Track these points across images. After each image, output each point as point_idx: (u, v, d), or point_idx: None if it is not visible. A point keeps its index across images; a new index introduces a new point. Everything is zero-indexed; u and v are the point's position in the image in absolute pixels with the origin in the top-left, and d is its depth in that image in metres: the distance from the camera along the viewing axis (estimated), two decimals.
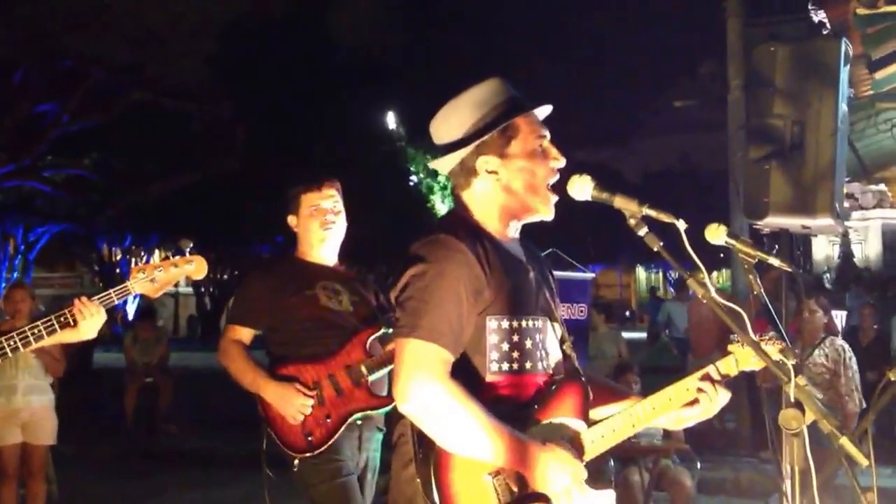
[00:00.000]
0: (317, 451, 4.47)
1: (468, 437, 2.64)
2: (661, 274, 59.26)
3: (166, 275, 3.77)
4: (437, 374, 2.66)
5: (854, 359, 8.67)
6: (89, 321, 3.70)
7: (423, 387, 2.64)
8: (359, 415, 4.58)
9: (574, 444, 2.85)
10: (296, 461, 4.49)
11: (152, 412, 13.80)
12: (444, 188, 38.30)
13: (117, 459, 12.17)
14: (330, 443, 4.49)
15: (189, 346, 29.02)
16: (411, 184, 37.09)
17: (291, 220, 4.88)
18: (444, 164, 2.99)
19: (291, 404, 4.48)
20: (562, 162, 2.98)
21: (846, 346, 8.73)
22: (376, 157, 29.91)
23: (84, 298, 3.72)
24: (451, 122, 2.98)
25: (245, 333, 4.77)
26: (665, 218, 2.81)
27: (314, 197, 4.80)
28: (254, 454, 4.61)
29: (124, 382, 14.00)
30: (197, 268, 3.85)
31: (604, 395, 3.12)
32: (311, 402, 4.50)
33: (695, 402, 3.01)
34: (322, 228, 4.80)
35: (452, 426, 2.64)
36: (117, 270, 36.76)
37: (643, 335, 28.59)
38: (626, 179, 43.46)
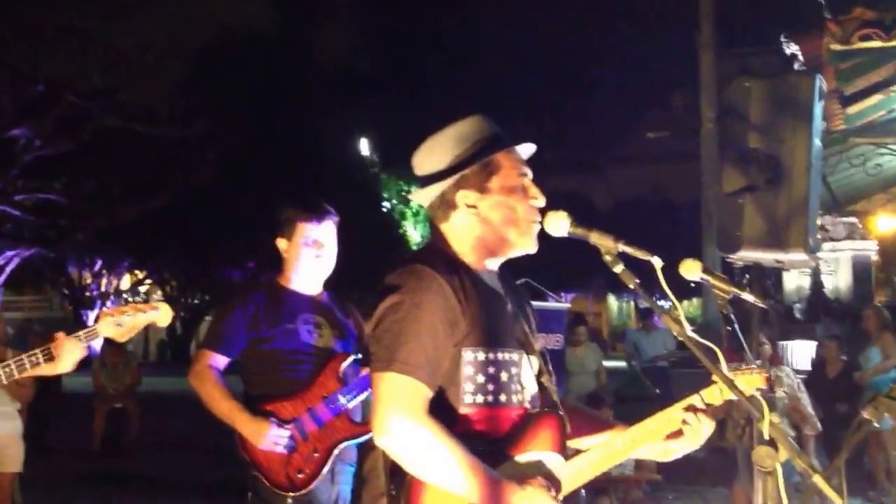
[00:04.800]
0: (310, 487, 4.42)
1: (444, 473, 2.62)
2: (632, 303, 59.42)
3: (133, 320, 3.85)
4: (414, 409, 2.65)
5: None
6: (69, 357, 3.78)
7: (399, 422, 2.63)
8: (343, 444, 4.54)
9: (550, 479, 2.84)
10: (289, 500, 4.42)
11: (120, 437, 13.68)
12: (416, 214, 38.42)
13: (84, 484, 12.03)
14: (320, 476, 4.46)
15: (158, 371, 28.74)
16: (384, 210, 37.15)
17: (281, 243, 4.75)
18: (425, 197, 2.98)
19: (266, 436, 4.41)
20: (542, 201, 2.96)
21: (791, 372, 8.89)
22: (350, 183, 29.95)
23: (61, 334, 3.79)
24: (432, 155, 2.98)
25: (220, 360, 4.66)
26: (641, 255, 2.81)
27: (311, 228, 4.69)
28: (220, 482, 4.57)
29: (92, 406, 13.88)
30: (162, 315, 3.95)
31: (588, 425, 3.11)
32: (287, 433, 4.44)
33: (679, 432, 2.99)
34: (314, 261, 4.71)
35: (429, 462, 2.63)
36: (87, 294, 36.54)
37: (617, 363, 28.61)
38: (598, 208, 43.63)
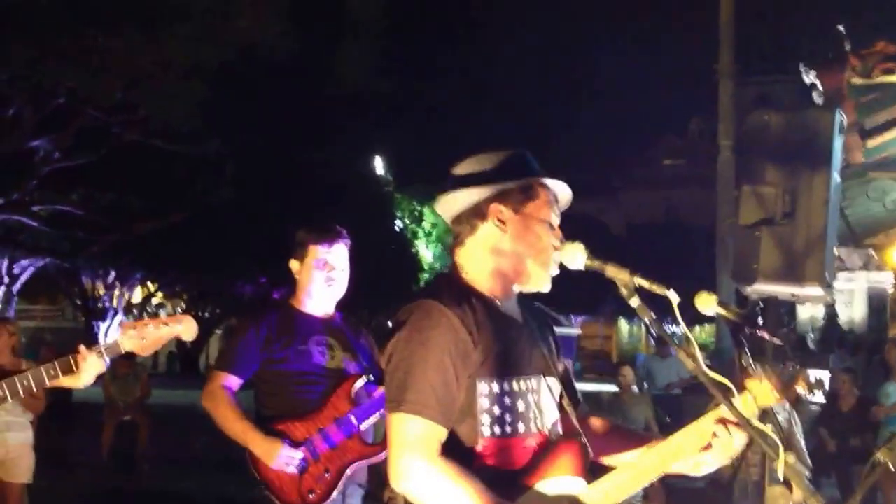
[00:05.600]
0: None
1: None
2: (643, 327, 59.24)
3: (157, 333, 3.77)
4: (428, 450, 2.65)
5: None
6: (90, 371, 3.71)
7: (414, 465, 2.64)
8: (355, 465, 4.55)
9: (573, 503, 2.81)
10: None
11: (129, 450, 13.67)
12: (428, 234, 38.43)
13: (93, 497, 12.04)
14: (331, 497, 4.47)
15: (168, 383, 28.76)
16: (397, 229, 37.18)
17: (294, 265, 4.77)
18: (454, 202, 2.94)
19: (278, 456, 4.43)
20: (560, 246, 2.94)
21: (787, 405, 8.81)
22: (363, 201, 30.00)
23: (83, 347, 3.72)
24: (477, 161, 2.96)
25: (233, 381, 4.68)
26: (657, 290, 2.78)
27: (323, 251, 4.72)
28: (230, 497, 4.58)
29: (102, 418, 13.89)
30: (186, 328, 3.86)
31: (622, 441, 3.07)
32: (299, 454, 4.45)
33: (708, 446, 2.87)
34: (325, 283, 4.73)
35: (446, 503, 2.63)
36: (99, 305, 36.61)
37: None
38: (611, 231, 43.61)
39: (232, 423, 4.57)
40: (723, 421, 2.85)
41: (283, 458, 4.43)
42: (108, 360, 3.74)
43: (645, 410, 10.52)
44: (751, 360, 2.99)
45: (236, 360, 4.71)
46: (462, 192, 2.92)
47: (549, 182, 2.97)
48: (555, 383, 2.99)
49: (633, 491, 2.89)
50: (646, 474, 2.88)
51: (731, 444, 2.85)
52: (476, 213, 2.91)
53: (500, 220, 2.89)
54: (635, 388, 10.67)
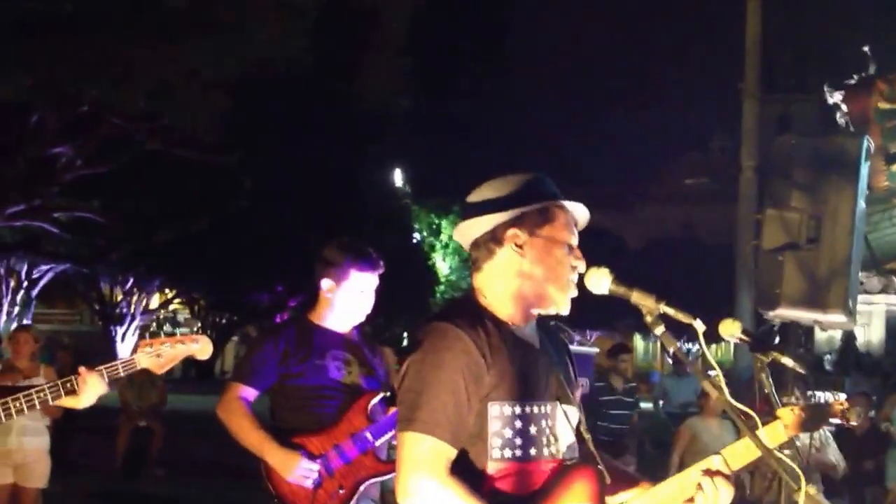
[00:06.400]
0: None
1: None
2: (658, 344, 59.04)
3: (173, 351, 3.81)
4: (436, 469, 2.66)
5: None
6: (91, 392, 3.72)
7: (421, 483, 2.64)
8: (369, 482, 4.54)
9: None
10: None
11: (143, 455, 13.68)
12: (445, 246, 38.42)
13: (104, 502, 12.05)
14: None
15: (183, 390, 28.81)
16: (414, 241, 37.20)
17: (327, 283, 4.71)
18: (471, 229, 2.94)
19: (295, 469, 4.41)
20: (582, 266, 2.93)
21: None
22: (381, 213, 30.07)
23: (84, 369, 3.72)
24: (492, 187, 2.96)
25: (249, 392, 4.68)
26: (682, 318, 2.77)
27: (367, 278, 4.71)
28: (240, 503, 4.57)
29: (117, 423, 13.92)
30: (202, 348, 3.89)
31: (614, 482, 3.00)
32: (316, 467, 4.44)
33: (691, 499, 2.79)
34: (360, 310, 4.74)
35: None
36: (117, 310, 36.79)
37: (641, 405, 28.35)
38: (629, 246, 43.52)
39: (248, 433, 4.56)
40: (710, 473, 2.78)
41: (300, 472, 4.42)
42: (107, 379, 3.73)
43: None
44: (774, 394, 2.97)
45: (253, 373, 4.70)
46: (478, 219, 2.92)
47: (567, 204, 2.96)
48: (572, 411, 2.97)
49: None
50: None
51: (717, 497, 2.76)
52: (493, 239, 2.91)
53: (517, 245, 2.88)
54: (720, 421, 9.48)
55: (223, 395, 4.71)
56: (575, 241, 2.97)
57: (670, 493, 2.83)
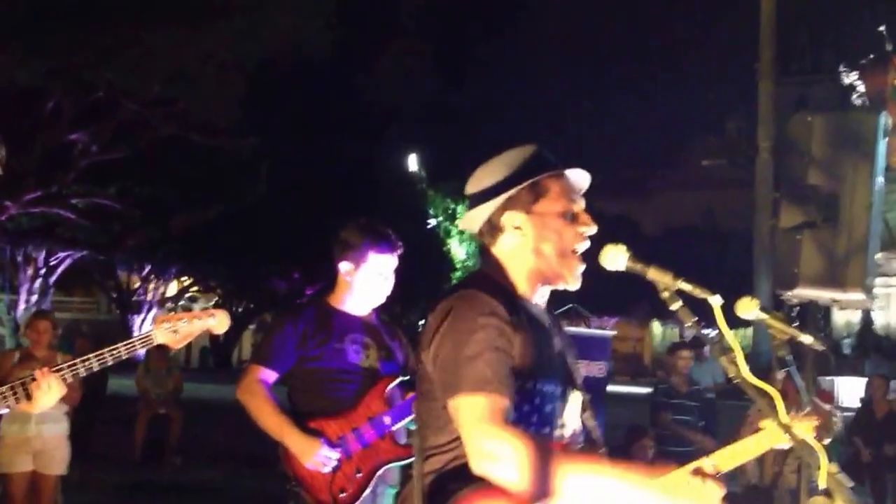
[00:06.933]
0: None
1: (546, 479, 2.53)
2: (676, 330, 58.98)
3: (189, 327, 3.66)
4: (497, 425, 2.57)
5: None
6: (45, 396, 3.47)
7: (489, 443, 2.55)
8: (387, 466, 4.54)
9: None
10: None
11: (161, 443, 13.73)
12: (461, 232, 38.42)
13: (124, 489, 12.09)
14: (362, 497, 4.45)
15: (200, 378, 28.96)
16: (429, 226, 37.20)
17: (345, 266, 4.68)
18: (473, 220, 2.95)
19: (314, 455, 4.41)
20: (592, 229, 2.91)
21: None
22: (397, 198, 30.07)
23: (39, 372, 3.47)
24: (483, 176, 2.95)
25: (269, 375, 4.65)
26: (699, 293, 2.73)
27: (387, 260, 4.69)
28: (259, 492, 4.54)
29: (136, 411, 13.97)
30: (219, 322, 3.76)
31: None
32: (336, 454, 4.44)
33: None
34: (380, 292, 4.72)
35: (526, 472, 2.53)
36: (134, 298, 36.92)
37: None
38: (645, 232, 43.42)
39: (268, 417, 4.54)
40: (700, 473, 2.75)
41: (319, 458, 4.41)
42: (69, 380, 3.50)
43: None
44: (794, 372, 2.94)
45: (273, 355, 4.68)
46: (476, 210, 2.93)
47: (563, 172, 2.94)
48: (578, 397, 2.95)
49: None
50: None
51: (705, 497, 2.71)
52: (493, 227, 2.91)
53: (515, 227, 2.88)
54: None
55: (242, 378, 4.69)
56: (578, 206, 2.93)
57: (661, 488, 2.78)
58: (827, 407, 8.21)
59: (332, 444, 4.46)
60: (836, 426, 8.42)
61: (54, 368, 3.48)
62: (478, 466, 2.57)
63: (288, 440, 4.47)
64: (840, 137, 5.26)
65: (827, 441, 8.06)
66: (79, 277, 37.23)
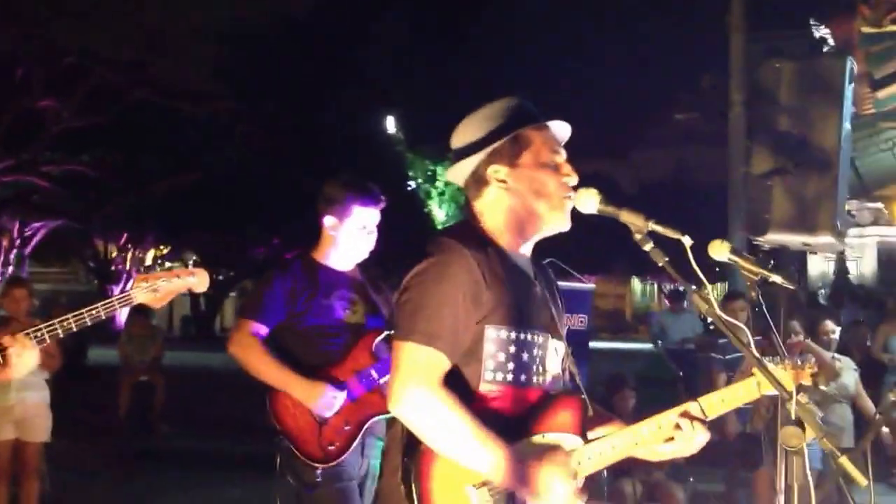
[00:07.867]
0: (340, 460, 4.47)
1: (457, 443, 2.67)
2: (655, 286, 59.17)
3: (169, 285, 3.63)
4: (430, 379, 2.69)
5: None
6: (21, 360, 3.36)
7: (414, 392, 2.67)
8: (374, 419, 4.58)
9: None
10: (318, 471, 4.46)
11: (145, 410, 13.76)
12: (441, 193, 38.39)
13: (110, 457, 12.11)
14: (351, 449, 4.50)
15: (183, 346, 28.95)
16: (409, 188, 37.13)
17: (329, 220, 4.71)
18: (458, 173, 3.03)
19: (321, 398, 4.45)
20: (574, 179, 2.98)
21: (851, 364, 8.73)
22: (376, 160, 29.95)
23: (8, 338, 3.35)
24: (466, 130, 3.02)
25: (261, 328, 4.65)
26: (671, 234, 2.81)
27: (370, 213, 4.71)
28: (247, 456, 4.56)
29: (118, 379, 13.97)
30: (199, 280, 3.73)
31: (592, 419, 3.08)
32: (343, 394, 4.49)
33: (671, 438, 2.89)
34: (363, 244, 4.74)
35: (442, 432, 2.67)
36: (112, 267, 36.72)
37: (639, 346, 28.50)
38: (622, 190, 43.40)
39: (268, 367, 4.55)
40: (687, 415, 2.88)
41: (325, 400, 4.46)
42: (47, 341, 3.39)
43: (855, 380, 8.63)
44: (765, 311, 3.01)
45: (263, 309, 4.68)
46: (460, 164, 3.00)
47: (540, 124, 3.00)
48: (560, 345, 3.03)
49: (606, 464, 2.90)
50: (617, 453, 2.89)
51: (693, 439, 2.87)
52: (478, 181, 2.98)
53: (499, 181, 2.94)
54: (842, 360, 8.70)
55: (234, 333, 4.70)
56: (560, 157, 3.00)
57: (650, 432, 2.90)
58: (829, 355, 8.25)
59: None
60: (839, 372, 8.45)
61: (31, 330, 3.40)
62: (395, 407, 2.70)
63: (291, 387, 4.50)
64: (808, 83, 5.32)
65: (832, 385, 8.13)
66: (55, 248, 36.92)
